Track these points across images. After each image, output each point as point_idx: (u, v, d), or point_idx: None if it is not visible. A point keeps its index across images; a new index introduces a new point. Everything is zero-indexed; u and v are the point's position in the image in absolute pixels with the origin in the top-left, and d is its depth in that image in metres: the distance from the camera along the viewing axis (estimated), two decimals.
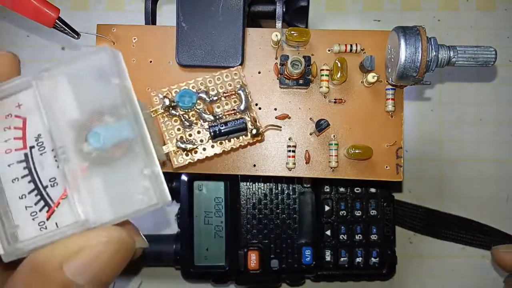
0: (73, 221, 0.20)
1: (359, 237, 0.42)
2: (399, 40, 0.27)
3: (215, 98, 0.28)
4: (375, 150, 0.30)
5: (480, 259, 0.46)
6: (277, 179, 0.42)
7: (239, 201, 0.41)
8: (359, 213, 0.42)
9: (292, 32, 0.30)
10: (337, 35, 0.31)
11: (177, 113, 0.28)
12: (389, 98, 0.30)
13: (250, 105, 0.28)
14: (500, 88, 0.48)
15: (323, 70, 0.30)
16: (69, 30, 0.31)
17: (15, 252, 0.20)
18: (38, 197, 0.21)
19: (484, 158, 0.47)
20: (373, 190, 0.43)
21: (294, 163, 0.30)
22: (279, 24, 0.33)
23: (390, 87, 0.30)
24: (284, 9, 0.33)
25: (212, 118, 0.28)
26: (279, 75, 0.30)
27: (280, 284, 0.44)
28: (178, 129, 0.28)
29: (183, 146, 0.28)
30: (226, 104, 0.28)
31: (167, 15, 0.46)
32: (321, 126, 0.30)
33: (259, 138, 0.29)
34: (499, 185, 0.47)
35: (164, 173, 0.20)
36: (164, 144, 0.28)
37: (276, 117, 0.31)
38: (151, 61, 0.31)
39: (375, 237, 0.42)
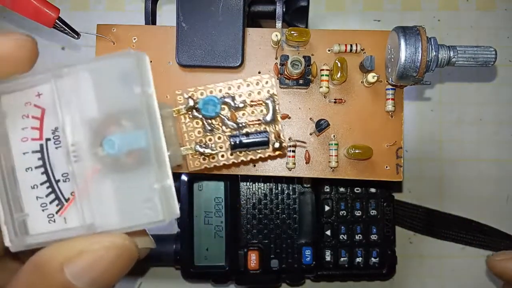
0: (80, 222, 0.20)
1: (359, 237, 0.42)
2: (399, 40, 0.27)
3: (241, 105, 0.27)
4: (375, 150, 0.30)
5: (480, 259, 0.46)
6: (277, 179, 0.42)
7: (239, 201, 0.41)
8: (359, 213, 0.42)
9: (292, 32, 0.30)
10: (337, 35, 0.31)
11: (200, 116, 0.27)
12: (389, 98, 0.30)
13: (277, 117, 0.27)
14: (500, 88, 0.48)
15: (323, 70, 0.30)
16: (69, 30, 0.31)
17: (22, 244, 0.20)
18: (50, 189, 0.20)
19: (484, 158, 0.47)
20: (373, 190, 0.43)
21: (294, 163, 0.30)
22: (279, 24, 0.33)
23: (390, 87, 0.30)
24: (284, 9, 0.33)
25: (235, 126, 0.27)
26: (279, 75, 0.30)
27: (280, 284, 0.44)
28: (199, 132, 0.27)
29: (201, 150, 0.27)
30: (252, 112, 0.27)
31: (167, 15, 0.46)
32: (321, 126, 0.30)
33: (281, 153, 0.28)
34: (499, 185, 0.47)
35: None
36: (183, 146, 0.28)
37: None
38: (151, 61, 0.31)
39: (375, 237, 0.42)
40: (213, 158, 0.27)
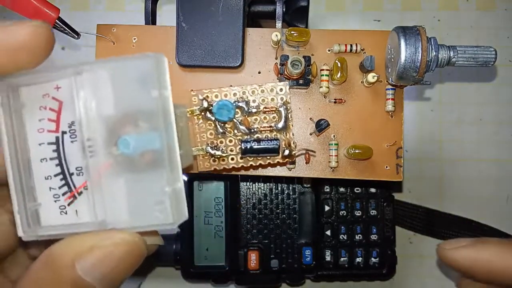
0: (91, 218, 0.20)
1: (359, 237, 0.42)
2: (399, 40, 0.27)
3: (254, 110, 0.27)
4: (375, 150, 0.30)
5: None
6: (277, 179, 0.42)
7: (239, 201, 0.41)
8: (359, 213, 0.42)
9: (292, 32, 0.30)
10: (337, 35, 0.31)
11: (213, 118, 0.27)
12: (389, 98, 0.30)
13: (289, 125, 0.27)
14: (500, 88, 0.48)
15: (323, 70, 0.30)
16: (69, 30, 0.31)
17: (34, 234, 0.21)
18: (63, 181, 0.21)
19: (484, 158, 0.47)
20: (373, 190, 0.43)
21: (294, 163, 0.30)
22: (279, 24, 0.33)
23: (390, 87, 0.30)
24: (284, 9, 0.33)
25: (246, 130, 0.27)
26: (279, 75, 0.30)
27: (280, 284, 0.44)
28: (211, 134, 0.28)
29: (212, 152, 0.27)
30: (265, 119, 0.27)
31: (167, 15, 0.46)
32: (321, 126, 0.30)
33: (290, 160, 0.28)
34: (499, 185, 0.47)
35: None
36: (194, 146, 0.28)
37: None
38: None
39: (375, 237, 0.42)
40: (223, 160, 0.28)
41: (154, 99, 0.20)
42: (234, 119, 0.27)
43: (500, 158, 0.47)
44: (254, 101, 0.27)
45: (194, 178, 0.41)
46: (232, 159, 0.28)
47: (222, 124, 0.27)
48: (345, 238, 0.42)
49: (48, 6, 0.30)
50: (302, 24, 0.35)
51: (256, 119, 0.28)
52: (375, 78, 0.30)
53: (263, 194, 0.42)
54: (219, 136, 0.28)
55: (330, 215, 0.42)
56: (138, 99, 0.20)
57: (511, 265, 0.24)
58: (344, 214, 0.42)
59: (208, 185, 0.42)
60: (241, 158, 0.28)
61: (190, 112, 0.27)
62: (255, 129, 0.27)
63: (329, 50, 0.31)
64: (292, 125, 0.28)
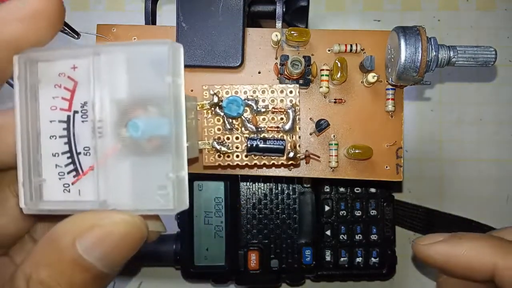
0: (93, 197, 0.20)
1: (359, 237, 0.42)
2: (399, 40, 0.27)
3: (262, 110, 0.27)
4: (375, 150, 0.30)
5: None
6: (277, 179, 0.42)
7: (239, 201, 0.41)
8: (359, 213, 0.42)
9: (292, 32, 0.30)
10: (337, 35, 0.31)
11: (222, 114, 0.27)
12: (389, 98, 0.30)
13: (296, 127, 0.28)
14: (500, 88, 0.48)
15: (323, 70, 0.30)
16: (69, 30, 0.31)
17: (35, 208, 0.21)
18: (70, 160, 0.21)
19: (484, 158, 0.47)
20: (373, 190, 0.43)
21: None
22: (279, 24, 0.33)
23: (390, 87, 0.30)
24: (284, 9, 0.33)
25: (254, 129, 0.27)
26: (279, 75, 0.30)
27: (280, 284, 0.44)
28: (218, 129, 0.28)
29: (218, 147, 0.27)
30: (272, 119, 0.28)
31: (167, 15, 0.46)
32: (321, 126, 0.30)
33: (294, 162, 0.28)
34: (499, 185, 0.47)
35: None
36: (201, 140, 0.28)
37: None
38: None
39: (375, 237, 0.42)
40: (228, 157, 0.28)
41: (167, 86, 0.20)
42: (243, 117, 0.27)
43: (500, 158, 0.47)
44: (263, 100, 0.28)
45: (194, 178, 0.41)
46: (237, 156, 0.28)
47: (231, 121, 0.27)
48: (345, 238, 0.42)
49: None
50: (302, 24, 0.35)
51: (264, 119, 0.28)
52: (375, 78, 0.30)
53: (263, 194, 0.42)
54: (226, 132, 0.28)
55: (330, 215, 0.42)
56: (151, 84, 0.20)
57: (486, 260, 0.24)
58: (344, 214, 0.42)
59: (208, 185, 0.42)
60: (246, 156, 0.28)
61: (200, 106, 0.27)
62: (262, 129, 0.28)
63: (329, 50, 0.31)
64: (299, 128, 0.28)
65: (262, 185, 0.42)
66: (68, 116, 0.21)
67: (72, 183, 0.21)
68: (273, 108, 0.27)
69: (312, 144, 0.31)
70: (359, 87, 0.31)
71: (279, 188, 0.42)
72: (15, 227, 0.24)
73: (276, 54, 0.31)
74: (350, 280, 0.44)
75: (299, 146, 0.28)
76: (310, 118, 0.31)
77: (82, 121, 0.21)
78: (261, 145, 0.27)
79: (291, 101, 0.28)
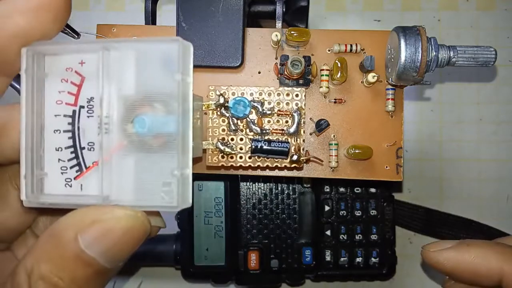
0: (96, 192, 0.20)
1: (359, 237, 0.42)
2: (399, 40, 0.27)
3: (268, 112, 0.28)
4: (375, 150, 0.30)
5: None
6: (277, 179, 0.42)
7: (239, 201, 0.41)
8: (359, 213, 0.42)
9: (292, 32, 0.30)
10: (337, 35, 0.31)
11: (227, 115, 0.28)
12: (389, 98, 0.30)
13: (300, 130, 0.28)
14: (500, 88, 0.48)
15: (323, 70, 0.30)
16: (69, 30, 0.31)
17: (36, 200, 0.21)
18: (73, 155, 0.21)
19: (484, 158, 0.47)
20: (373, 190, 0.43)
21: None
22: (279, 24, 0.33)
23: (390, 87, 0.30)
24: (284, 9, 0.33)
25: (258, 131, 0.28)
26: (279, 75, 0.30)
27: (280, 284, 0.44)
28: (223, 130, 0.28)
29: (222, 148, 0.27)
30: (277, 122, 0.28)
31: (167, 15, 0.46)
32: (321, 126, 0.30)
33: (297, 166, 0.28)
34: (499, 185, 0.47)
35: None
36: (205, 140, 0.28)
37: None
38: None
39: (375, 237, 0.42)
40: (232, 157, 0.28)
41: (176, 83, 0.20)
42: (248, 118, 0.27)
43: (500, 158, 0.47)
44: (269, 102, 0.28)
45: (194, 178, 0.41)
46: (241, 157, 0.28)
47: (236, 122, 0.27)
48: (345, 238, 0.42)
49: None
50: (302, 24, 0.35)
51: (269, 121, 0.28)
52: (375, 78, 0.30)
53: (263, 194, 0.42)
54: (231, 133, 0.28)
55: (330, 215, 0.42)
56: (159, 81, 0.20)
57: (493, 267, 0.25)
58: (344, 214, 0.42)
59: (208, 185, 0.42)
60: (249, 157, 0.28)
61: (205, 106, 0.27)
62: (267, 131, 0.28)
63: (329, 50, 0.31)
64: (303, 132, 0.28)
65: (262, 185, 0.42)
66: (74, 111, 0.21)
67: (75, 178, 0.21)
68: (279, 110, 0.28)
69: (312, 144, 0.31)
70: (359, 87, 0.31)
71: (279, 188, 0.42)
72: (16, 221, 0.24)
73: (276, 54, 0.31)
74: (350, 280, 0.44)
75: (303, 149, 0.28)
76: (310, 118, 0.31)
77: (88, 116, 0.21)
78: (265, 147, 0.27)
79: (296, 104, 0.28)
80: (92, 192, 0.21)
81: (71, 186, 0.21)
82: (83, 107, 0.21)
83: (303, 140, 0.28)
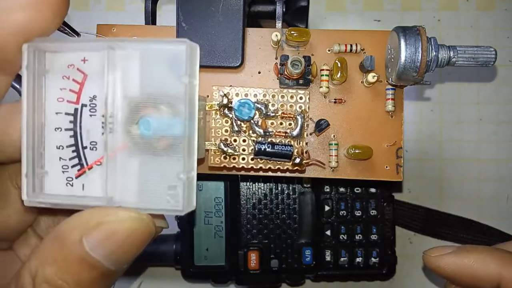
0: (99, 193, 0.20)
1: (359, 237, 0.42)
2: (399, 40, 0.27)
3: (271, 114, 0.28)
4: (375, 150, 0.30)
5: None
6: (277, 179, 0.42)
7: (239, 201, 0.41)
8: (359, 213, 0.42)
9: (292, 32, 0.30)
10: (337, 35, 0.31)
11: (231, 116, 0.27)
12: (389, 98, 0.30)
13: (304, 133, 0.28)
14: (500, 88, 0.48)
15: (323, 70, 0.30)
16: (69, 30, 0.31)
17: (36, 200, 0.20)
18: (75, 153, 0.21)
19: (484, 158, 0.47)
20: (373, 190, 0.43)
21: None
22: (279, 24, 0.33)
23: (390, 87, 0.30)
24: (284, 9, 0.33)
25: (262, 132, 0.27)
26: (279, 75, 0.30)
27: (280, 284, 0.44)
28: (226, 131, 0.28)
29: (224, 148, 0.27)
30: (281, 124, 0.28)
31: (167, 15, 0.46)
32: (321, 126, 0.30)
33: (300, 169, 0.28)
34: (499, 185, 0.47)
35: None
36: (207, 140, 0.28)
37: None
38: None
39: (375, 237, 0.42)
40: (234, 159, 0.28)
41: (183, 86, 0.20)
42: (252, 120, 0.27)
43: (500, 158, 0.47)
44: (273, 105, 0.28)
45: None
46: (243, 159, 0.28)
47: (239, 123, 0.27)
48: (345, 238, 0.42)
49: None
50: (302, 24, 0.35)
51: (272, 123, 0.28)
52: (375, 78, 0.30)
53: (263, 194, 0.42)
54: (234, 134, 0.28)
55: (330, 215, 0.42)
56: (164, 83, 0.20)
57: (492, 272, 0.25)
58: (344, 214, 0.42)
59: (208, 185, 0.42)
60: (252, 159, 0.28)
61: (209, 106, 0.27)
62: (270, 133, 0.28)
63: (329, 50, 0.31)
64: (306, 135, 0.28)
65: (262, 185, 0.42)
66: (76, 109, 0.21)
67: (76, 177, 0.21)
68: (283, 113, 0.28)
69: (312, 144, 0.31)
70: (359, 87, 0.31)
71: (279, 188, 0.42)
72: (17, 220, 0.24)
73: (276, 54, 0.31)
74: (350, 280, 0.44)
75: (306, 152, 0.28)
76: (310, 118, 0.31)
77: (90, 115, 0.20)
78: (269, 150, 0.27)
79: (300, 107, 0.28)
80: (95, 193, 0.20)
81: (72, 186, 0.21)
82: (85, 105, 0.20)
83: (306, 143, 0.28)
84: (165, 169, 0.20)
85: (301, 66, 0.29)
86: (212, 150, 0.28)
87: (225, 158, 0.28)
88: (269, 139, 0.27)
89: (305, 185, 0.42)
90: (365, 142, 0.30)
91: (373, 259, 0.42)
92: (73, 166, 0.21)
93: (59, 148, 0.21)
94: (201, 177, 0.41)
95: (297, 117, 0.27)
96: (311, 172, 0.30)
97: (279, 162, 0.28)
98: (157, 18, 0.34)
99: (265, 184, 0.42)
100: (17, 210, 0.24)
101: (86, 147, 0.21)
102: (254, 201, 0.42)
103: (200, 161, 0.29)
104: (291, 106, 0.28)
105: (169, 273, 0.46)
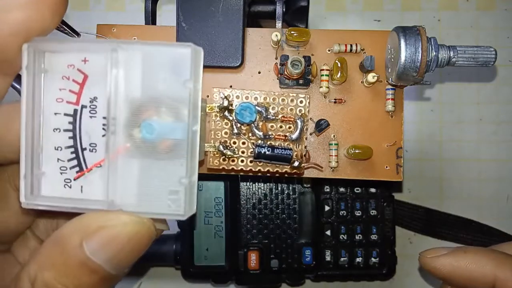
0: (99, 196, 0.20)
1: (359, 237, 0.42)
2: (399, 40, 0.27)
3: (271, 117, 0.28)
4: (375, 150, 0.30)
5: None
6: (277, 179, 0.42)
7: (239, 201, 0.41)
8: (359, 213, 0.42)
9: (292, 32, 0.30)
10: (337, 35, 0.31)
11: (230, 118, 0.27)
12: (389, 98, 0.30)
13: (303, 137, 0.28)
14: (500, 88, 0.48)
15: (323, 70, 0.30)
16: (69, 30, 0.31)
17: (34, 202, 0.20)
18: (73, 155, 0.20)
19: (484, 158, 0.47)
20: (373, 190, 0.43)
21: None
22: (279, 24, 0.33)
23: (390, 87, 0.30)
24: (284, 9, 0.33)
25: (261, 135, 0.28)
26: (279, 75, 0.30)
27: (280, 284, 0.44)
28: (226, 133, 0.28)
29: (223, 151, 0.27)
30: (280, 127, 0.28)
31: (167, 15, 0.46)
32: (321, 126, 0.30)
33: (298, 172, 0.28)
34: (499, 185, 0.47)
35: None
36: (207, 142, 0.28)
37: None
38: None
39: (375, 237, 0.42)
40: (233, 161, 0.28)
41: (187, 90, 0.19)
42: (252, 123, 0.27)
43: (500, 158, 0.47)
44: (273, 108, 0.28)
45: None
46: (242, 161, 0.28)
47: (239, 126, 0.27)
48: (345, 238, 0.42)
49: None
50: (302, 24, 0.35)
51: (272, 126, 0.28)
52: (375, 78, 0.30)
53: (263, 194, 0.42)
54: (234, 136, 0.28)
55: (330, 215, 0.42)
56: (167, 86, 0.20)
57: (487, 273, 0.25)
58: (344, 214, 0.42)
59: (208, 185, 0.42)
60: (251, 161, 0.28)
61: (209, 108, 0.27)
62: (270, 136, 0.28)
63: (329, 50, 0.31)
64: (306, 138, 0.28)
65: (262, 185, 0.42)
66: (75, 110, 0.20)
67: (75, 179, 0.20)
68: (283, 116, 0.28)
69: (312, 144, 0.31)
70: (359, 87, 0.31)
71: (279, 188, 0.42)
72: (16, 222, 0.24)
73: (276, 54, 0.31)
74: (350, 280, 0.44)
75: (305, 155, 0.28)
76: (310, 118, 0.31)
77: (90, 117, 0.20)
78: (268, 153, 0.27)
79: (300, 110, 0.28)
80: (94, 196, 0.20)
81: (70, 187, 0.21)
82: (85, 106, 0.20)
83: (305, 147, 0.28)
84: (167, 173, 0.20)
85: (301, 66, 0.29)
86: (211, 152, 0.28)
87: (224, 160, 0.28)
88: (269, 142, 0.27)
89: (305, 185, 0.42)
90: (365, 142, 0.30)
91: (373, 259, 0.42)
92: (71, 168, 0.20)
93: (57, 149, 0.21)
94: (201, 177, 0.41)
95: (297, 120, 0.28)
96: (311, 172, 0.30)
97: (277, 165, 0.28)
98: (157, 18, 0.34)
99: (265, 184, 0.42)
100: (16, 212, 0.24)
101: (85, 149, 0.20)
102: (254, 201, 0.42)
103: (200, 163, 0.29)
104: (291, 109, 0.28)
105: (169, 273, 0.46)
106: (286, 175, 0.29)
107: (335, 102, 0.31)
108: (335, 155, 0.30)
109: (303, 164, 0.28)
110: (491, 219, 0.46)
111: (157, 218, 0.20)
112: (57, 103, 0.20)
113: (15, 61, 0.20)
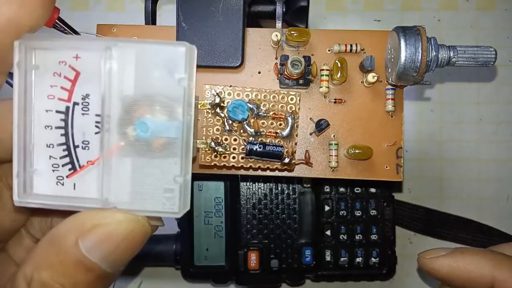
0: (93, 194, 0.20)
1: (359, 237, 0.42)
2: (399, 40, 0.27)
3: (263, 114, 0.28)
4: (375, 150, 0.30)
5: None
6: (277, 179, 0.42)
7: (239, 201, 0.41)
8: (359, 213, 0.42)
9: (292, 32, 0.30)
10: (337, 35, 0.31)
11: (222, 115, 0.28)
12: (389, 98, 0.30)
13: (294, 134, 0.28)
14: (500, 88, 0.48)
15: (323, 70, 0.30)
16: (69, 30, 0.31)
17: (26, 200, 0.20)
18: (66, 152, 0.20)
19: (484, 158, 0.47)
20: (373, 190, 0.43)
21: None
22: (279, 24, 0.33)
23: (390, 87, 0.30)
24: (284, 9, 0.33)
25: (253, 132, 0.28)
26: (279, 75, 0.30)
27: (280, 284, 0.44)
28: (217, 130, 0.28)
29: (215, 147, 0.27)
30: (271, 124, 0.28)
31: (167, 15, 0.46)
32: (321, 126, 0.30)
33: (289, 168, 0.28)
34: (499, 185, 0.47)
35: None
36: (199, 139, 0.28)
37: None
38: None
39: (375, 237, 0.42)
40: (224, 157, 0.28)
41: (181, 88, 0.19)
42: (244, 120, 0.27)
43: (500, 158, 0.47)
44: (265, 105, 0.28)
45: (194, 178, 0.41)
46: (234, 157, 0.28)
47: (231, 122, 0.28)
48: (345, 238, 0.42)
49: None
50: (302, 24, 0.35)
51: (263, 123, 0.28)
52: (375, 78, 0.30)
53: (263, 194, 0.42)
54: (225, 133, 0.28)
55: (330, 215, 0.42)
56: (161, 84, 0.20)
57: (485, 274, 0.25)
58: (344, 214, 0.42)
59: (208, 185, 0.42)
60: (242, 158, 0.28)
61: (201, 105, 0.27)
62: (261, 133, 0.28)
63: (329, 50, 0.31)
64: (296, 135, 0.28)
65: (262, 185, 0.42)
66: (67, 107, 0.20)
67: (67, 177, 0.20)
68: (274, 113, 0.28)
69: (312, 144, 0.31)
70: (359, 87, 0.31)
71: (279, 188, 0.42)
72: (10, 221, 0.24)
73: (276, 54, 0.31)
74: (350, 280, 0.44)
75: (295, 152, 0.28)
76: (310, 118, 0.31)
77: (83, 114, 0.20)
78: (260, 150, 0.27)
79: (291, 108, 0.28)
80: (88, 194, 0.20)
81: (63, 185, 0.20)
82: (77, 103, 0.20)
83: (295, 143, 0.28)
84: (161, 171, 0.20)
85: (301, 66, 0.29)
86: (203, 149, 0.28)
87: (215, 156, 0.28)
88: (260, 139, 0.28)
89: (305, 185, 0.42)
90: (365, 142, 0.30)
91: (373, 259, 0.42)
92: (64, 165, 0.20)
93: (49, 147, 0.20)
94: (201, 177, 0.41)
95: (288, 118, 0.28)
96: (311, 172, 0.30)
97: (268, 162, 0.28)
98: (157, 18, 0.34)
99: (265, 184, 0.42)
100: (10, 210, 0.24)
101: (77, 146, 0.20)
102: (254, 201, 0.42)
103: (193, 160, 0.29)
104: (282, 106, 0.28)
105: (169, 273, 0.46)
106: (277, 171, 0.29)
107: (335, 102, 0.31)
108: (335, 155, 0.30)
109: (293, 161, 0.28)
110: (491, 219, 0.46)
111: (151, 216, 0.20)
112: (48, 100, 0.20)
113: (6, 58, 0.20)
